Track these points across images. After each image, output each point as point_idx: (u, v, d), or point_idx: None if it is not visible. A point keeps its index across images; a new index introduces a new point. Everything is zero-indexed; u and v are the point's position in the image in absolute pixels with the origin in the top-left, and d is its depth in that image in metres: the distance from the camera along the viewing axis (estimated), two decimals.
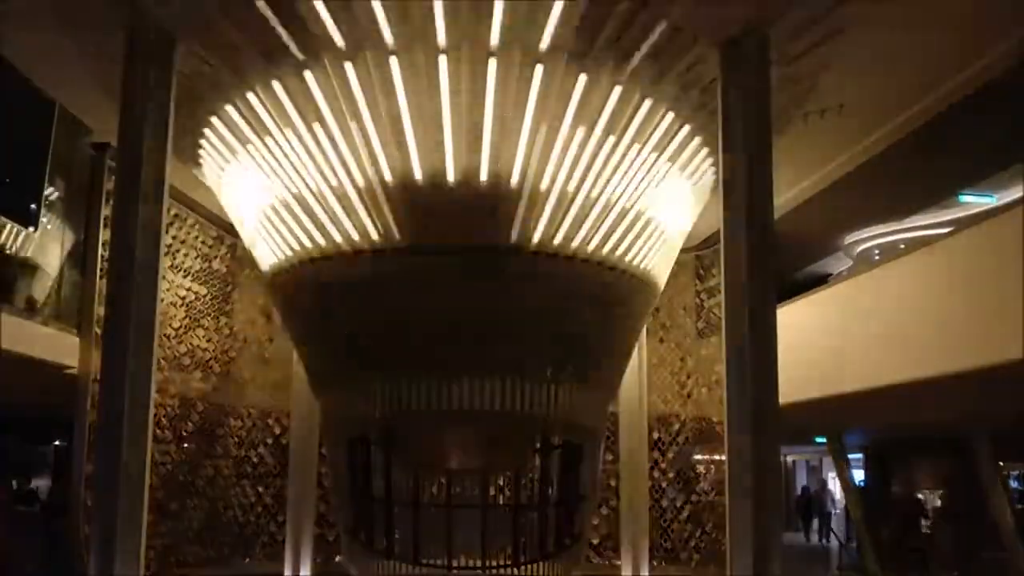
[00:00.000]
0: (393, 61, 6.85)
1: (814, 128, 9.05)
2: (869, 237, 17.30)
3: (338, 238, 8.00)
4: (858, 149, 10.10)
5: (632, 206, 8.25)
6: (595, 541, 13.18)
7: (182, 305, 12.09)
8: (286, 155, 7.81)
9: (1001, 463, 14.89)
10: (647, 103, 7.53)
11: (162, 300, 8.90)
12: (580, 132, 7.46)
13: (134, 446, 6.70)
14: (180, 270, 12.05)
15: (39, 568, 13.02)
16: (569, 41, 6.77)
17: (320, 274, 8.31)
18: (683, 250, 10.49)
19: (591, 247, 8.11)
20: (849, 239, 17.43)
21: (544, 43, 6.77)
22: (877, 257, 16.95)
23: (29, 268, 12.44)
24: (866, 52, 7.68)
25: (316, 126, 7.48)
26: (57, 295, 11.10)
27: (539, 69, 6.95)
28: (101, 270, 10.05)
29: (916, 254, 10.18)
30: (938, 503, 21.60)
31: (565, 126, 7.36)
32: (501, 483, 10.87)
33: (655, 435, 13.49)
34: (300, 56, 6.96)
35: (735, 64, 7.08)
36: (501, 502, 10.58)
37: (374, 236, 7.82)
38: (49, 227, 11.95)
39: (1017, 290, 7.65)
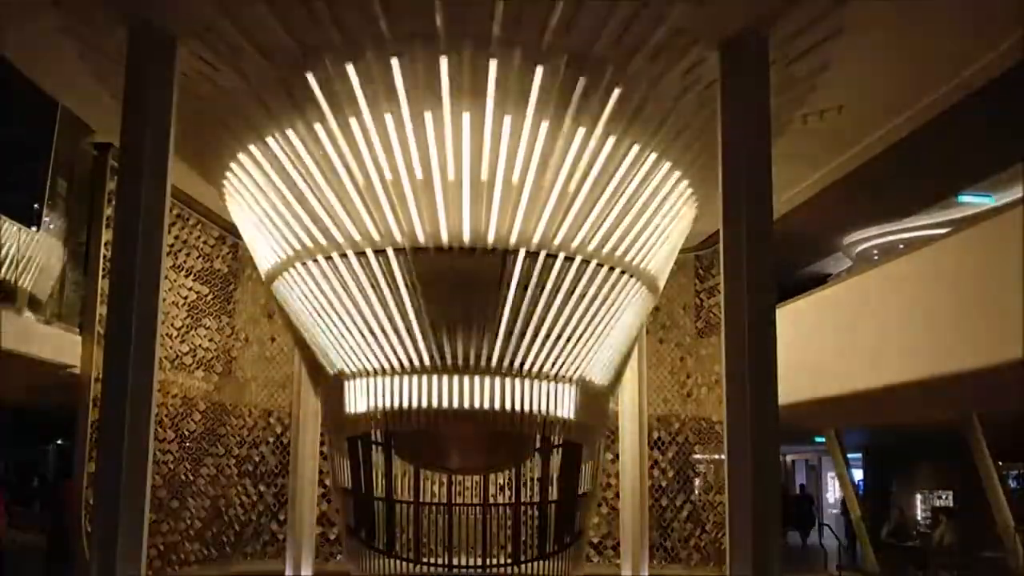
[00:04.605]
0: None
1: (814, 128, 9.07)
2: (869, 237, 17.34)
3: (339, 238, 8.01)
4: (858, 149, 10.11)
5: (633, 206, 8.26)
6: (595, 540, 13.21)
7: (184, 305, 12.11)
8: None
9: (1001, 463, 14.90)
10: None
11: (164, 300, 8.93)
12: (579, 132, 7.47)
13: (136, 445, 6.72)
14: (182, 270, 12.08)
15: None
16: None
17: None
18: (683, 250, 10.50)
19: (591, 247, 8.12)
20: (849, 239, 17.47)
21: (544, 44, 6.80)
22: (877, 257, 16.98)
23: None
24: (866, 52, 7.70)
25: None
26: (60, 294, 11.13)
27: (539, 71, 6.98)
28: (103, 270, 10.08)
29: (916, 254, 10.21)
30: (937, 502, 21.62)
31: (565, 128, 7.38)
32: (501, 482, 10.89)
33: (655, 435, 13.52)
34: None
35: (735, 65, 7.10)
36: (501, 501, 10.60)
37: (375, 235, 7.84)
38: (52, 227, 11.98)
39: (1016, 290, 7.68)
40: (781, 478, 21.71)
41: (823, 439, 18.95)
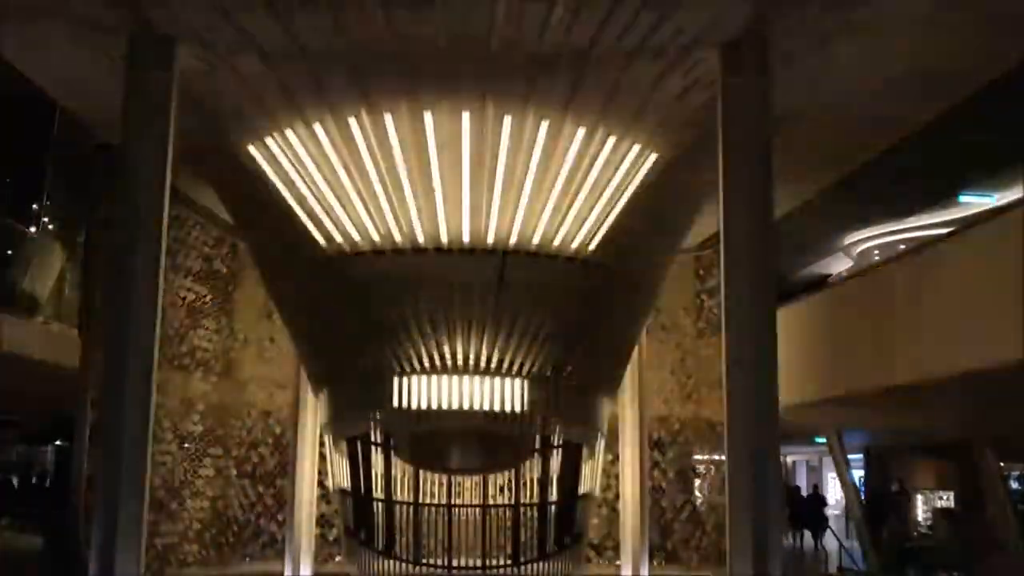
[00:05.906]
0: None
1: (815, 128, 9.05)
2: (869, 237, 17.34)
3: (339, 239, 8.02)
4: (858, 149, 10.10)
5: (632, 208, 8.25)
6: (595, 541, 13.18)
7: (183, 305, 12.07)
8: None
9: (1001, 463, 14.90)
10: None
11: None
12: (580, 130, 7.47)
13: (135, 446, 6.71)
14: (181, 270, 12.04)
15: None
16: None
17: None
18: (683, 250, 10.50)
19: (591, 248, 8.12)
20: (849, 239, 17.47)
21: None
22: (877, 257, 16.98)
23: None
24: (866, 52, 7.68)
25: None
26: (59, 295, 11.14)
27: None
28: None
29: (916, 254, 10.21)
30: (938, 503, 21.63)
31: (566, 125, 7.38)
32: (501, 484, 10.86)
33: (655, 436, 13.48)
34: None
35: (735, 65, 7.09)
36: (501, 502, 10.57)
37: (374, 236, 7.84)
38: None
39: (1018, 290, 7.67)
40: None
41: (823, 439, 18.92)
